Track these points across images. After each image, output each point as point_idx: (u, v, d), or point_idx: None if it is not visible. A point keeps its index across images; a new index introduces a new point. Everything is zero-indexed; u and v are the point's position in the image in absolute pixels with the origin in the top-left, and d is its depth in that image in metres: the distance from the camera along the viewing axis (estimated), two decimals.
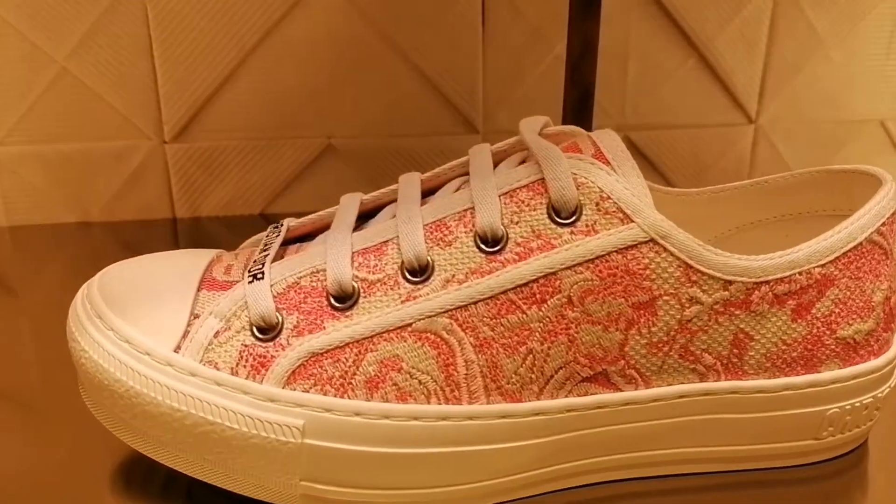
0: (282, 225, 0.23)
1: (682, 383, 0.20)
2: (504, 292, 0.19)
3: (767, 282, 0.20)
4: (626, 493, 0.21)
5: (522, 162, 0.22)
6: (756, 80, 0.52)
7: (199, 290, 0.21)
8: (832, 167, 0.24)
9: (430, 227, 0.20)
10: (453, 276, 0.19)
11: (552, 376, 0.20)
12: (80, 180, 0.46)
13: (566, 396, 0.20)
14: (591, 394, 0.20)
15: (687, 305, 0.20)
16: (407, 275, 0.20)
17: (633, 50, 0.50)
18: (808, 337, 0.21)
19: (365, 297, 0.20)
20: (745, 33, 0.51)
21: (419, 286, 0.20)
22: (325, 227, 0.23)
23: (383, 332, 0.19)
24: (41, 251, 0.44)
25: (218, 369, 0.19)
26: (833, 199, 0.25)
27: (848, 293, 0.21)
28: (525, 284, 0.19)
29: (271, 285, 0.20)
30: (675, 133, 0.52)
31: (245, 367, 0.19)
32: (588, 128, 0.36)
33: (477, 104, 0.49)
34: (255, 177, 0.48)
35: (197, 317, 0.20)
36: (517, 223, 0.20)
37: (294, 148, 0.48)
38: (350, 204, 0.22)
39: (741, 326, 0.20)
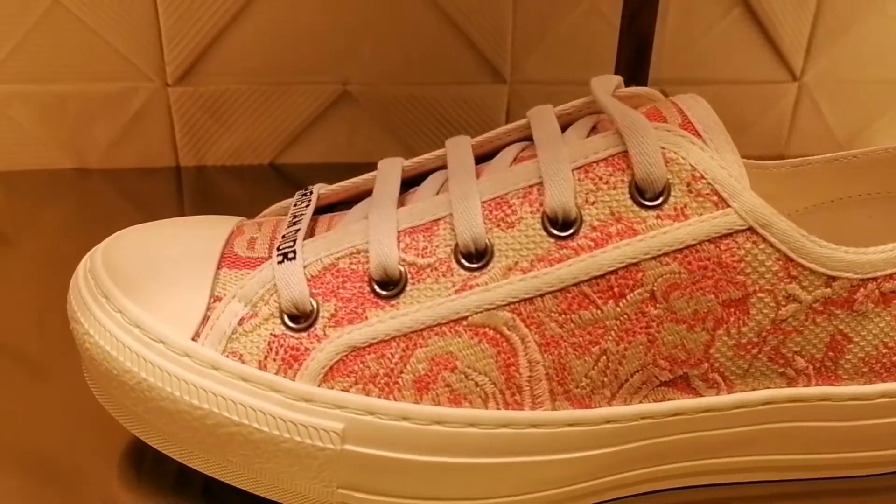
0: (311, 192, 0.20)
1: (769, 388, 0.18)
2: (576, 284, 0.17)
3: (875, 278, 0.17)
4: (699, 501, 0.19)
5: (593, 129, 0.19)
6: (804, 34, 0.48)
7: (219, 267, 0.18)
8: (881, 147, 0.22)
9: (490, 205, 0.17)
10: (516, 263, 0.17)
11: (627, 380, 0.17)
12: (75, 124, 0.42)
13: (641, 402, 0.17)
14: (669, 399, 0.18)
15: (783, 303, 0.17)
16: (462, 259, 0.17)
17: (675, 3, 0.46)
18: None
19: (413, 283, 0.17)
20: None
21: (476, 273, 0.17)
22: (360, 196, 0.21)
23: (435, 326, 0.17)
24: (36, 198, 0.41)
25: (243, 362, 0.17)
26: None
27: None
28: (602, 276, 0.17)
29: (304, 266, 0.17)
30: (714, 89, 0.49)
31: (275, 360, 0.17)
32: (643, 84, 0.33)
33: (505, 51, 0.45)
34: (265, 124, 0.45)
35: (218, 299, 0.17)
36: (593, 203, 0.17)
37: (307, 94, 0.44)
38: (390, 171, 0.20)
39: (840, 327, 0.18)
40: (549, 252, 0.17)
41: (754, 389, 0.18)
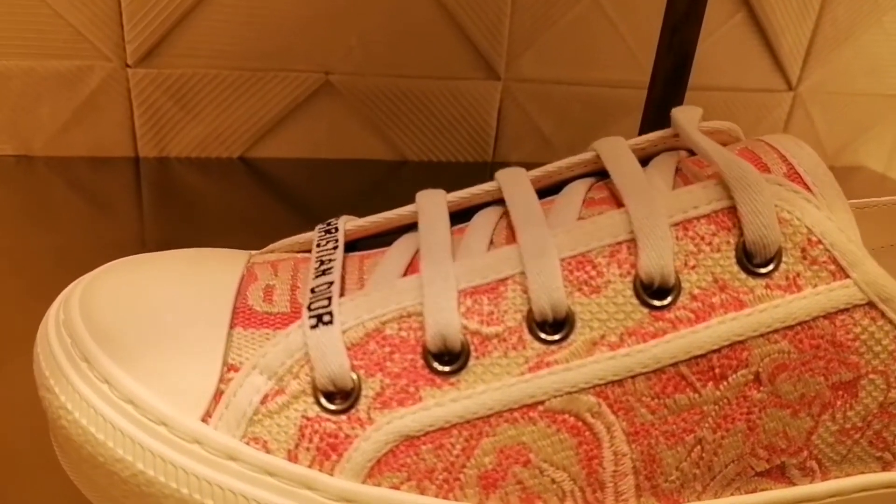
0: (336, 228, 0.17)
1: (863, 473, 0.16)
2: (674, 364, 0.14)
3: None
4: None
5: (677, 172, 0.16)
6: (803, 43, 0.47)
7: (232, 325, 0.15)
8: None
9: (570, 264, 0.14)
10: (603, 336, 0.14)
11: (720, 472, 0.15)
12: (19, 105, 0.37)
13: (732, 495, 0.15)
14: (762, 490, 0.15)
15: (894, 385, 0.15)
16: (537, 329, 0.14)
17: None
18: None
19: (477, 357, 0.14)
20: None
21: (554, 348, 0.14)
22: (391, 231, 0.18)
23: (505, 411, 0.14)
24: None
25: (268, 451, 0.14)
26: None
27: None
28: (703, 355, 0.14)
29: (343, 332, 0.14)
30: (709, 95, 0.47)
31: (308, 449, 0.14)
32: (680, 101, 0.31)
33: (501, 46, 0.42)
34: (237, 114, 0.41)
35: (234, 368, 0.14)
36: (693, 267, 0.14)
37: (285, 82, 0.40)
38: (435, 210, 0.16)
39: None
40: (643, 324, 0.14)
41: (848, 475, 0.16)
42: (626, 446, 0.14)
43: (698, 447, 0.14)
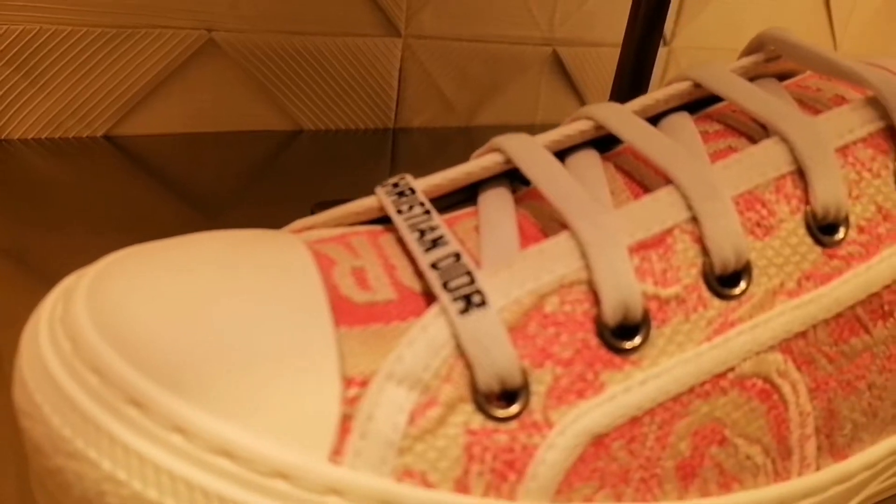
0: (410, 190, 0.13)
1: None
2: (852, 307, 0.13)
3: None
4: None
5: (788, 91, 0.15)
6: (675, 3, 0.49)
7: (335, 324, 0.11)
8: None
9: (738, 204, 0.12)
10: (782, 283, 0.12)
11: (882, 416, 0.14)
12: None
13: (888, 437, 0.14)
14: None
15: None
16: (716, 285, 0.12)
17: None
18: None
19: (658, 326, 0.12)
20: None
21: (735, 303, 0.12)
22: (464, 188, 0.14)
23: (696, 386, 0.12)
24: None
25: (429, 485, 0.10)
26: None
27: None
28: (876, 293, 0.13)
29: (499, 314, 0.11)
30: (601, 51, 0.47)
31: (482, 473, 0.10)
32: (654, 54, 0.29)
33: (401, 0, 0.39)
34: (100, 82, 0.33)
35: (355, 383, 0.10)
36: (858, 197, 0.13)
37: (160, 42, 0.34)
38: (537, 153, 0.13)
39: None
40: (818, 266, 0.12)
41: None
42: (809, 404, 0.13)
43: (868, 393, 0.13)
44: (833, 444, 0.13)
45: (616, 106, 0.14)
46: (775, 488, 0.12)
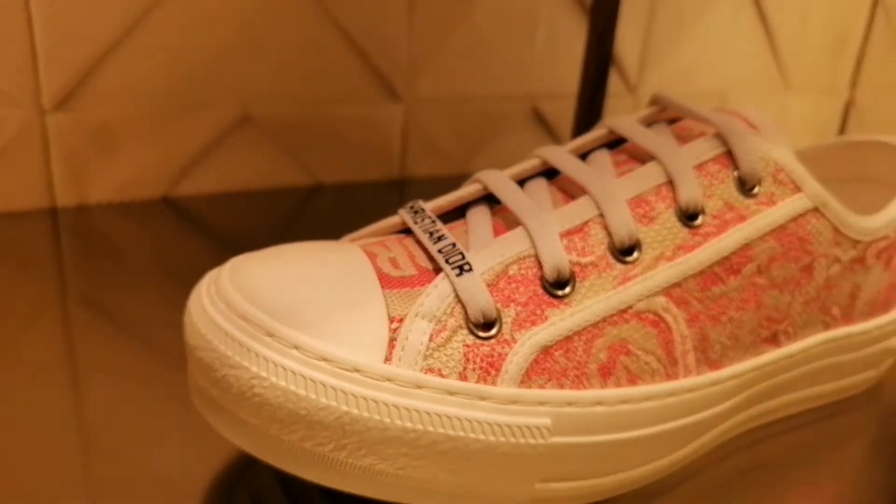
0: (421, 209, 0.21)
1: (815, 334, 0.23)
2: (710, 266, 0.20)
3: (876, 239, 0.23)
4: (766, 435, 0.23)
5: (674, 133, 0.22)
6: (637, 51, 0.57)
7: (382, 288, 0.18)
8: (850, 138, 0.28)
9: (632, 204, 0.19)
10: (661, 253, 0.19)
11: (742, 341, 0.20)
12: None
13: (750, 358, 0.21)
14: (765, 352, 0.21)
15: (832, 265, 0.22)
16: (618, 255, 0.19)
17: (544, 20, 0.51)
18: (890, 283, 0.24)
19: (580, 280, 0.19)
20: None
21: (631, 266, 0.19)
22: (459, 208, 0.21)
23: (608, 317, 0.18)
24: None
25: (444, 377, 0.17)
26: (850, 167, 0.29)
27: None
28: (726, 257, 0.20)
29: (481, 275, 0.18)
30: (573, 102, 0.55)
31: (475, 370, 0.17)
32: (601, 103, 0.37)
33: (400, 71, 0.47)
34: (158, 153, 0.41)
35: (396, 320, 0.17)
36: (710, 196, 0.20)
37: (205, 119, 0.42)
38: (502, 181, 0.21)
39: (856, 280, 0.23)
40: (686, 241, 0.19)
41: (807, 336, 0.22)
42: (688, 330, 0.19)
43: (730, 324, 0.20)
44: (708, 358, 0.20)
45: (557, 148, 0.22)
46: (667, 385, 0.19)
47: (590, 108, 0.34)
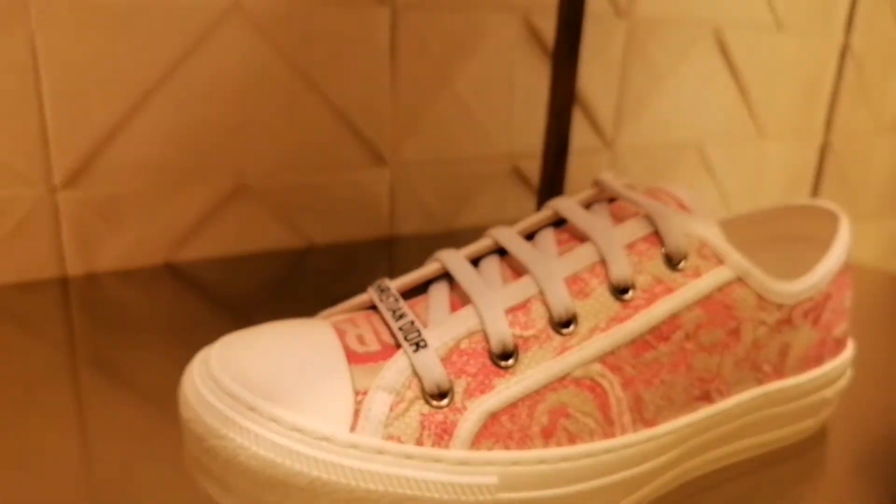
0: (387, 288, 0.23)
1: (749, 389, 0.25)
2: (641, 335, 0.22)
3: (801, 302, 0.25)
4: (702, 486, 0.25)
5: (612, 214, 0.25)
6: (612, 107, 0.60)
7: (348, 363, 0.20)
8: (792, 203, 0.31)
9: (569, 281, 0.22)
10: (596, 325, 0.22)
11: (675, 400, 0.23)
12: None
13: (685, 415, 0.23)
14: (698, 409, 0.24)
15: (758, 328, 0.24)
16: (557, 327, 0.21)
17: (519, 85, 0.54)
18: (819, 340, 0.27)
19: (524, 352, 0.21)
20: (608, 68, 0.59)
21: (568, 337, 0.21)
22: (421, 284, 0.24)
23: (549, 384, 0.21)
24: None
25: (402, 443, 0.19)
26: (785, 228, 0.31)
27: (837, 303, 0.27)
28: (656, 326, 0.22)
29: (435, 351, 0.21)
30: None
31: (430, 435, 0.20)
32: (564, 169, 0.40)
33: (386, 138, 0.50)
34: (160, 222, 0.44)
35: (361, 393, 0.20)
36: (640, 272, 0.23)
37: (203, 189, 0.45)
38: (458, 261, 0.23)
39: (785, 339, 0.25)
40: (618, 313, 0.22)
41: (741, 391, 0.25)
42: (622, 393, 0.22)
43: (662, 386, 0.22)
44: (643, 417, 0.22)
45: (507, 229, 0.24)
46: (604, 443, 0.21)
47: (555, 166, 0.36)
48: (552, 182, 0.37)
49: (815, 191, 0.83)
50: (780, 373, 0.26)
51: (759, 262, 0.32)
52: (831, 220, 0.29)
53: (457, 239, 0.53)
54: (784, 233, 0.31)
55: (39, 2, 0.37)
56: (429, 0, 0.49)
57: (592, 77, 0.58)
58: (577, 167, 0.60)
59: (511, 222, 0.57)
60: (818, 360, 0.27)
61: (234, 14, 0.42)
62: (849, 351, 0.29)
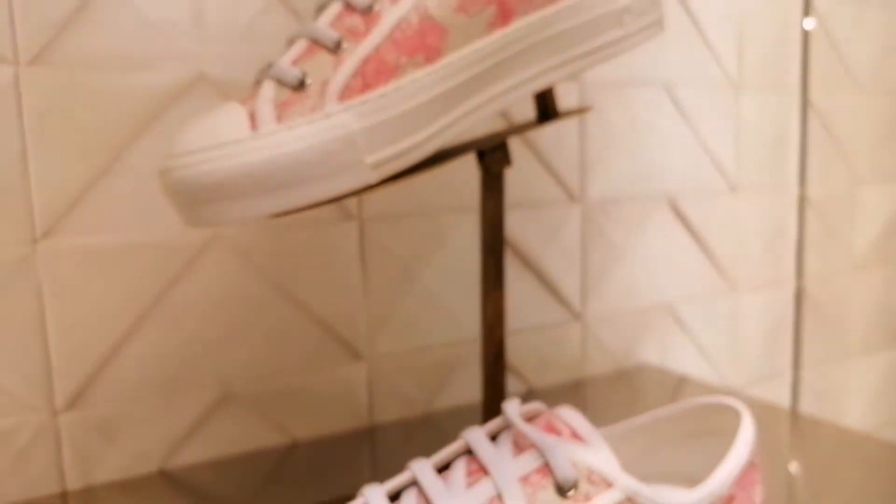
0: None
1: None
2: None
3: None
4: None
5: (514, 443, 0.28)
6: (578, 281, 0.65)
7: None
8: (698, 401, 0.34)
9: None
10: None
11: None
12: None
13: None
14: None
15: None
16: None
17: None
18: None
19: None
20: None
21: None
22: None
23: None
24: None
25: None
26: (699, 425, 0.34)
27: (743, 502, 0.30)
28: None
29: None
30: (525, 337, 0.62)
31: None
32: (503, 381, 0.44)
33: (360, 334, 0.54)
34: (154, 432, 0.48)
35: None
36: (534, 501, 0.26)
37: (192, 399, 0.49)
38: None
39: None
40: None
41: None
42: None
43: None
44: None
45: (423, 461, 0.28)
46: None
47: (494, 366, 0.40)
48: (496, 365, 0.40)
49: (797, 337, 0.85)
50: None
51: (679, 461, 0.34)
52: (736, 416, 0.32)
53: (435, 422, 0.56)
54: (701, 429, 0.34)
55: (46, 252, 0.43)
56: (391, 210, 0.55)
57: (553, 261, 0.63)
58: (548, 341, 0.64)
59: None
60: None
61: (214, 243, 0.49)
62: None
